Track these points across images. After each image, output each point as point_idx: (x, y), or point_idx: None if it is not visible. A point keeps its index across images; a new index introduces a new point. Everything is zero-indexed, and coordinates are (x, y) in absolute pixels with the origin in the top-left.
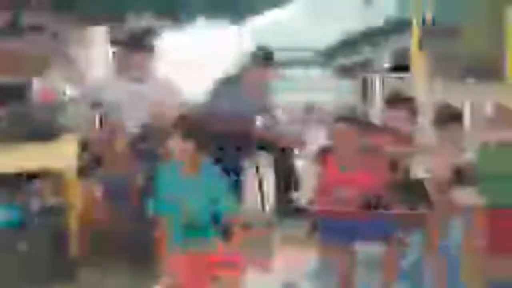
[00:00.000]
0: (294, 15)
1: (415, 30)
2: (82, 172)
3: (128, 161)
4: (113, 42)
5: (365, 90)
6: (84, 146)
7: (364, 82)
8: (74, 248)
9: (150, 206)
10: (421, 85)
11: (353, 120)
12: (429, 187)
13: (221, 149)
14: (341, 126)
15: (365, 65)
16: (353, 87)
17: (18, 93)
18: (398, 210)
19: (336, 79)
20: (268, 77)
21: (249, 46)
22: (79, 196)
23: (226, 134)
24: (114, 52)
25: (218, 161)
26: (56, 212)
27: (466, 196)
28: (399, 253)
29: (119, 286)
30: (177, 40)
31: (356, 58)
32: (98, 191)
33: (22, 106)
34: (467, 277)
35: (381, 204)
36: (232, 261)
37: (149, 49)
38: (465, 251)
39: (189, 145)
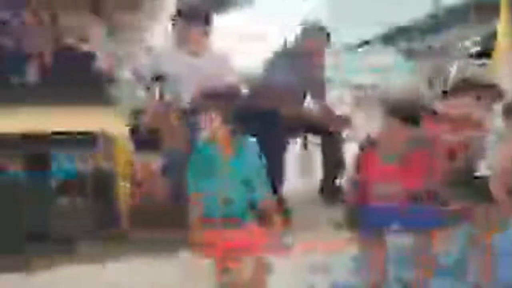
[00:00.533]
0: None
1: (504, 10)
2: (135, 142)
3: (183, 135)
4: (173, 14)
5: (435, 76)
6: (137, 117)
7: (437, 67)
8: (123, 219)
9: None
10: (505, 71)
11: (409, 110)
12: (491, 182)
13: (267, 127)
14: (392, 119)
15: (443, 49)
16: (423, 71)
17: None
18: (454, 206)
19: (404, 61)
20: (321, 52)
21: (309, 20)
22: (131, 166)
23: (274, 112)
24: (173, 24)
25: (261, 140)
26: (107, 177)
27: None
28: (441, 249)
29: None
30: (238, 13)
31: (432, 42)
32: (154, 164)
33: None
34: None
35: (434, 200)
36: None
37: (207, 21)
38: None
39: (227, 127)
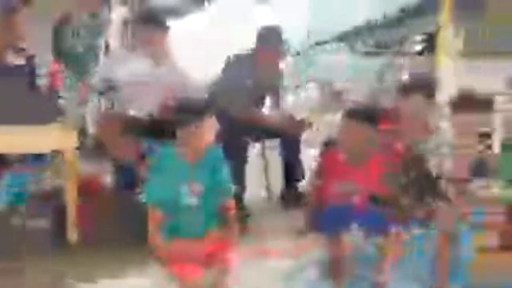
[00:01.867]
0: None
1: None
2: (84, 155)
3: (132, 147)
4: (131, 19)
5: (385, 73)
6: (84, 130)
7: (387, 64)
8: (72, 230)
9: (145, 192)
10: (447, 66)
11: (365, 113)
12: (445, 181)
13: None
14: (349, 120)
15: (391, 47)
16: (375, 69)
17: None
18: (408, 205)
19: (357, 59)
20: (278, 57)
21: (266, 25)
22: (79, 179)
23: (232, 116)
24: (130, 30)
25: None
26: (56, 193)
27: (484, 189)
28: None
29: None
30: (198, 18)
31: (382, 39)
32: (101, 176)
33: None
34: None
35: (389, 200)
36: (225, 251)
37: (165, 28)
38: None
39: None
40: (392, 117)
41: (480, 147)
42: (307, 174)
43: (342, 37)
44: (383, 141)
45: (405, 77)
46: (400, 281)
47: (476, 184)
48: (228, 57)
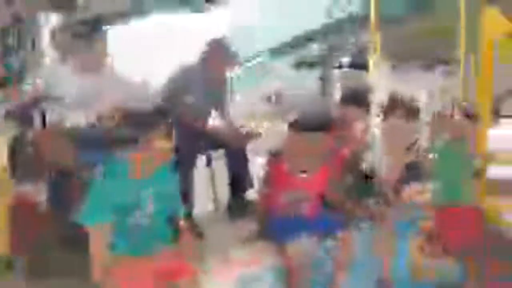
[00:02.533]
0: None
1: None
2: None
3: (70, 161)
4: (62, 30)
5: (324, 84)
6: (19, 145)
7: (324, 76)
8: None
9: (85, 210)
10: (379, 79)
11: (309, 122)
12: (382, 184)
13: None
14: (294, 131)
15: (325, 60)
16: (313, 80)
17: None
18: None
19: (296, 71)
20: (227, 67)
21: (211, 34)
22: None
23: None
24: (63, 41)
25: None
26: None
27: (417, 192)
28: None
29: None
30: (141, 27)
31: (316, 53)
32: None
33: None
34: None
35: (337, 204)
36: (181, 268)
37: (101, 37)
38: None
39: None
40: (338, 124)
41: (412, 151)
42: (255, 183)
43: (281, 48)
44: (331, 147)
45: (342, 88)
46: (350, 282)
47: (411, 188)
48: (176, 67)
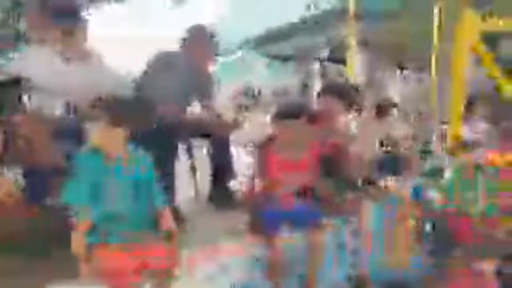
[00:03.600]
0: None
1: (352, 19)
2: None
3: (48, 148)
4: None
5: (304, 77)
6: None
7: (305, 70)
8: None
9: (66, 196)
10: (358, 73)
11: (292, 112)
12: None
13: (153, 133)
14: (282, 120)
15: (305, 53)
16: (292, 73)
17: None
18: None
19: (275, 64)
20: (208, 57)
21: (193, 22)
22: None
23: (158, 117)
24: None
25: (148, 147)
26: None
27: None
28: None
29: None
30: (120, 12)
31: (295, 46)
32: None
33: None
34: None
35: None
36: (164, 256)
37: (78, 17)
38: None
39: (118, 132)
40: (320, 116)
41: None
42: (238, 174)
43: (260, 41)
44: (319, 137)
45: (322, 81)
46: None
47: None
48: (154, 54)
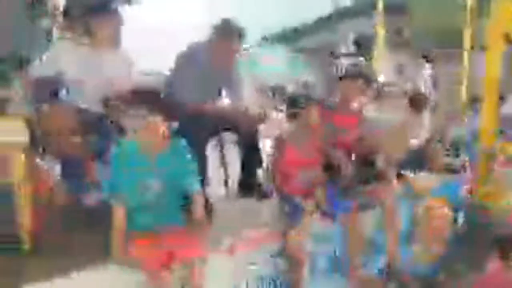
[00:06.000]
0: None
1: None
2: (32, 149)
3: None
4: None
5: (326, 72)
6: (32, 123)
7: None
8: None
9: (106, 186)
10: (382, 66)
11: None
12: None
13: (184, 126)
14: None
15: (327, 48)
16: (314, 68)
17: None
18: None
19: (296, 59)
20: (235, 51)
21: (219, 17)
22: (30, 175)
23: (188, 111)
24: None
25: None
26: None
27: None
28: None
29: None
30: (147, 7)
31: (318, 40)
32: (50, 170)
33: None
34: None
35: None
36: (193, 244)
37: (113, 15)
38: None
39: (157, 121)
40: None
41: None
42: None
43: (280, 37)
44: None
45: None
46: None
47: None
48: (184, 49)
